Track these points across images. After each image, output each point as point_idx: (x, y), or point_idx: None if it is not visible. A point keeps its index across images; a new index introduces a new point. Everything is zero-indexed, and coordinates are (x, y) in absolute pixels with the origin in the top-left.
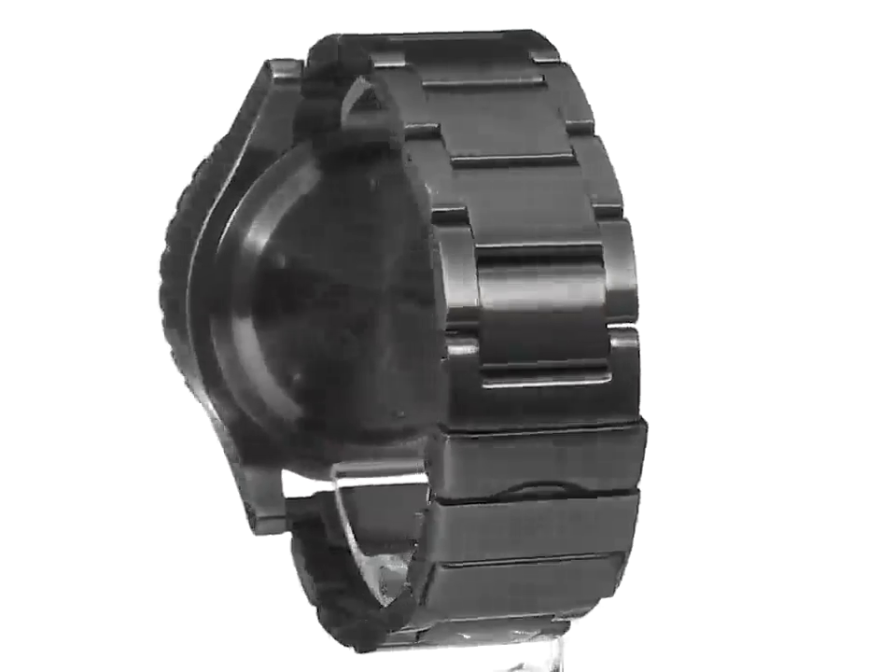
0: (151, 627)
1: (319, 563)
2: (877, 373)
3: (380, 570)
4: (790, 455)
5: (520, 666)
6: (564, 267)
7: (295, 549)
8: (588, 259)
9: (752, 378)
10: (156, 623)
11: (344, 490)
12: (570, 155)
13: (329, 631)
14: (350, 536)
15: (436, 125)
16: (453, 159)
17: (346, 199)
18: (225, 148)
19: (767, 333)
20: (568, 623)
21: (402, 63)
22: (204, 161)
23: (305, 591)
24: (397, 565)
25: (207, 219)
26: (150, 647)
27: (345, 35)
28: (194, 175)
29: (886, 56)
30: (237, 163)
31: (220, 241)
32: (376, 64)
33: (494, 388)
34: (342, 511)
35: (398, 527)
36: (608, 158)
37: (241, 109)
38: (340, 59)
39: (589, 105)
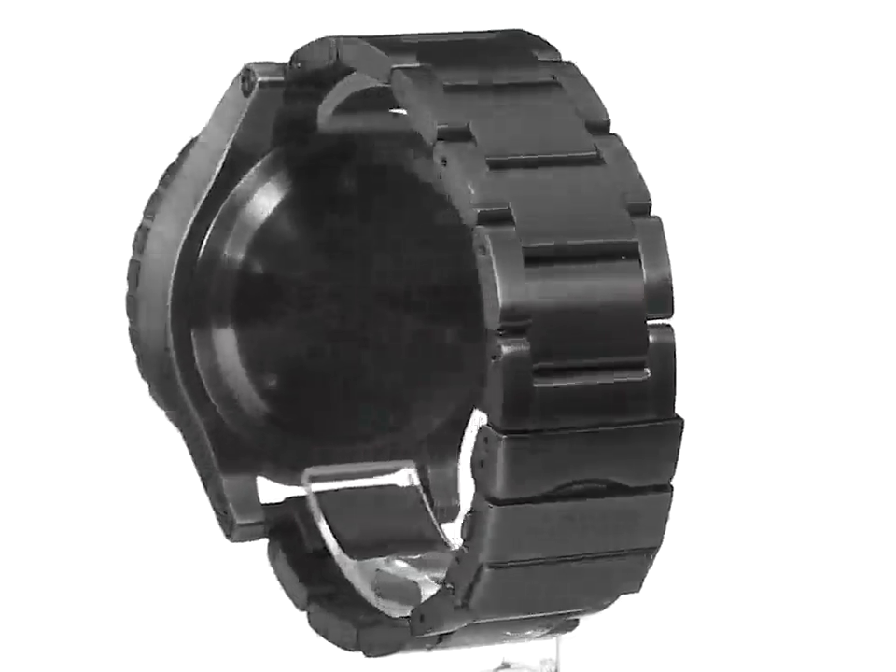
0: (134, 643)
1: (303, 568)
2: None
3: (375, 574)
4: (798, 453)
5: (506, 666)
6: (605, 264)
7: (274, 555)
8: (627, 255)
9: (759, 374)
10: (139, 638)
11: (319, 494)
12: (595, 153)
13: (325, 636)
14: (332, 540)
15: (465, 125)
16: (488, 159)
17: (321, 204)
18: (201, 155)
19: (769, 332)
20: (578, 620)
21: (417, 64)
22: (173, 166)
23: (292, 596)
24: (391, 567)
25: (189, 228)
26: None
27: (346, 37)
28: (164, 183)
29: (888, 49)
30: (218, 170)
31: (201, 250)
32: (394, 66)
33: (544, 387)
34: (319, 516)
35: (378, 529)
36: (630, 155)
37: (217, 114)
38: (337, 60)
39: (603, 104)
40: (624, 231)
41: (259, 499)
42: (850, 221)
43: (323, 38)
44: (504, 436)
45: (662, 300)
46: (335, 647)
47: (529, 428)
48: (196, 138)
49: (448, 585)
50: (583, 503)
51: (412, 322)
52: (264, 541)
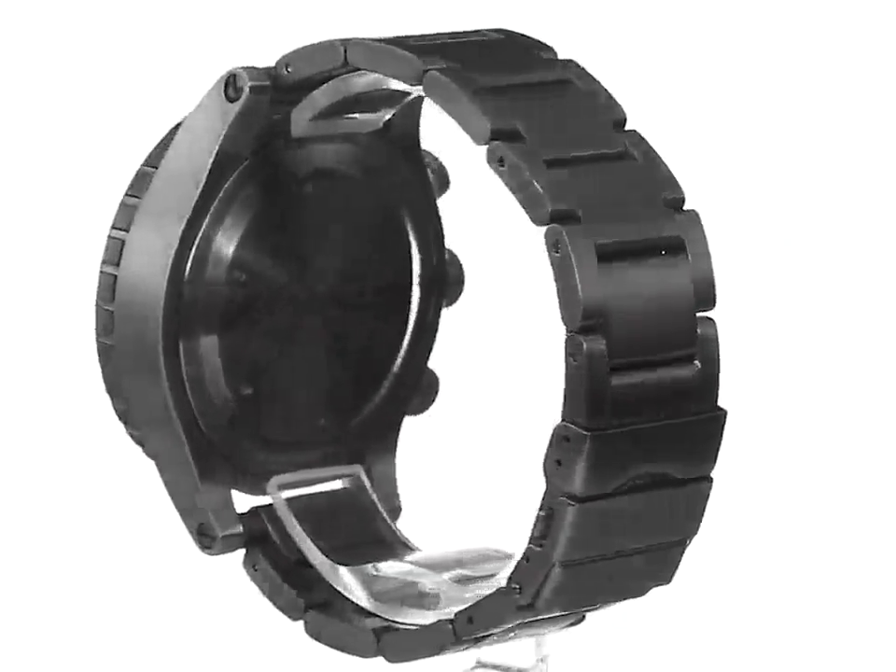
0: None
1: (291, 577)
2: None
3: (373, 578)
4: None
5: (481, 665)
6: (659, 259)
7: (255, 565)
8: (677, 250)
9: (775, 368)
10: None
11: (290, 502)
12: (624, 149)
13: (336, 644)
14: (313, 548)
15: (515, 125)
16: (544, 158)
17: (293, 211)
18: (179, 163)
19: (779, 322)
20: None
21: (447, 65)
22: (142, 176)
23: (283, 607)
24: (386, 571)
25: (179, 239)
26: None
27: (356, 40)
28: (133, 194)
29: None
30: (205, 178)
31: (189, 260)
32: (426, 67)
33: (619, 383)
34: (293, 524)
35: (343, 534)
36: (656, 151)
37: (194, 121)
38: (345, 63)
39: (617, 101)
40: (671, 225)
41: (235, 511)
42: (852, 213)
43: (324, 42)
44: (588, 433)
45: (707, 293)
46: (347, 655)
47: (608, 425)
48: (162, 146)
49: (514, 585)
50: (641, 496)
51: (361, 324)
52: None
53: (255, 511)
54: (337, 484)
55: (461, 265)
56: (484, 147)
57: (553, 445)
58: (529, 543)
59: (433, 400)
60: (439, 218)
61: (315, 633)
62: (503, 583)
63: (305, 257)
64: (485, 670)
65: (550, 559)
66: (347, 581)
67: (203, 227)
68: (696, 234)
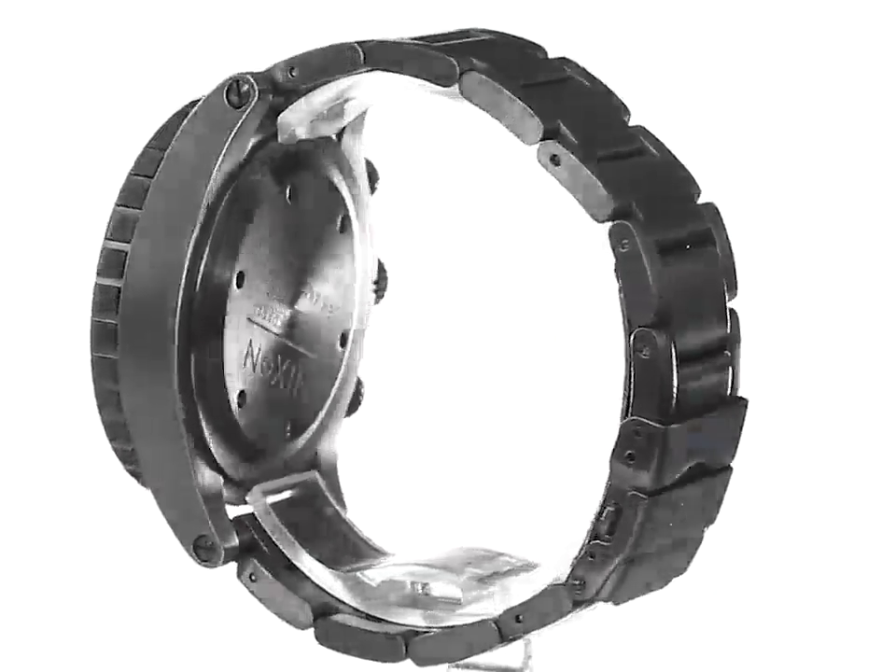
0: None
1: (294, 584)
2: None
3: (369, 584)
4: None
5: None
6: (698, 251)
7: (256, 577)
8: (708, 242)
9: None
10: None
11: (276, 509)
12: (643, 144)
13: (355, 651)
14: (306, 556)
15: (558, 123)
16: (606, 153)
17: (281, 216)
18: (182, 171)
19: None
20: None
21: (485, 65)
22: (135, 186)
23: (290, 614)
24: (384, 576)
25: (191, 249)
26: None
27: (378, 42)
28: (128, 203)
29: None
30: (210, 185)
31: (201, 269)
32: (464, 68)
33: (682, 376)
34: (285, 532)
35: (332, 538)
36: (664, 144)
37: (194, 127)
38: (364, 65)
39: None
40: (701, 216)
41: (229, 521)
42: (847, 212)
43: (338, 45)
44: (663, 427)
45: (732, 281)
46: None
47: (676, 418)
48: (150, 155)
49: (574, 581)
50: (692, 487)
51: (318, 331)
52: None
53: (240, 521)
54: (300, 491)
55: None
56: (534, 147)
57: (623, 440)
58: (594, 540)
59: (361, 401)
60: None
61: (329, 640)
62: (545, 580)
63: (288, 264)
64: (463, 670)
65: (618, 554)
66: (348, 588)
67: (211, 237)
68: (719, 225)
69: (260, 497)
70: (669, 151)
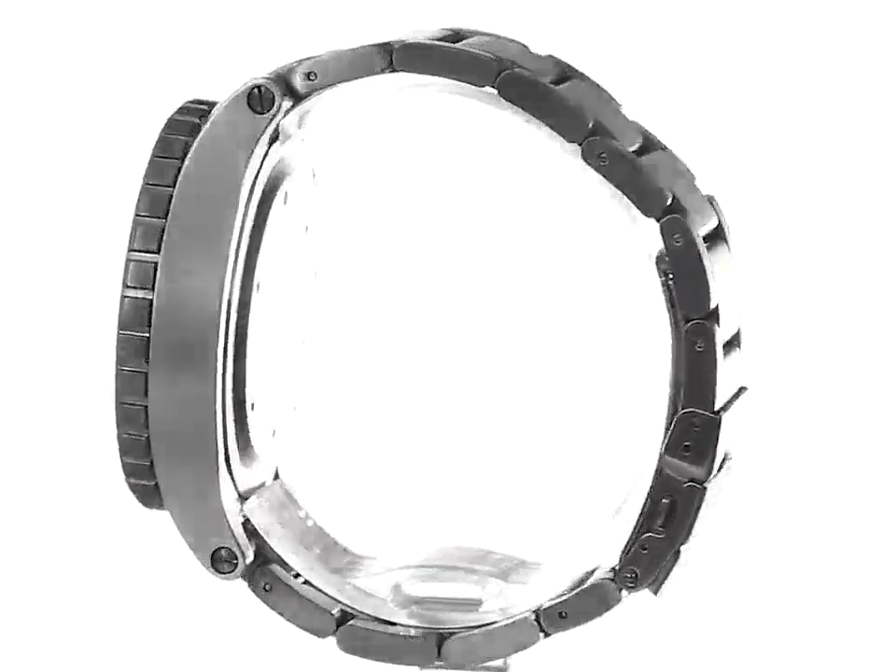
0: None
1: (309, 595)
2: None
3: (396, 588)
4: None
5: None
6: (722, 244)
7: (271, 587)
8: (722, 235)
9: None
10: None
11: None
12: (651, 137)
13: (383, 656)
14: (316, 564)
15: (599, 120)
16: (630, 149)
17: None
18: (210, 181)
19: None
20: None
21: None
22: (159, 196)
23: (312, 626)
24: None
25: (230, 262)
26: None
27: (408, 44)
28: (153, 213)
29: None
30: (245, 195)
31: (238, 279)
32: (503, 68)
33: (726, 363)
34: (291, 539)
35: (321, 544)
36: (658, 137)
37: (217, 134)
38: (391, 68)
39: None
40: (712, 209)
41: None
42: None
43: (361, 48)
44: (719, 417)
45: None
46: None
47: (726, 407)
48: (162, 164)
49: (627, 574)
50: (721, 475)
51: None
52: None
53: (250, 531)
54: (278, 498)
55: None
56: (574, 146)
57: (679, 433)
58: (648, 532)
59: None
60: None
61: (353, 647)
62: (572, 575)
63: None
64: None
65: (674, 545)
66: (357, 595)
67: (246, 244)
68: (726, 220)
69: (257, 505)
70: (667, 146)
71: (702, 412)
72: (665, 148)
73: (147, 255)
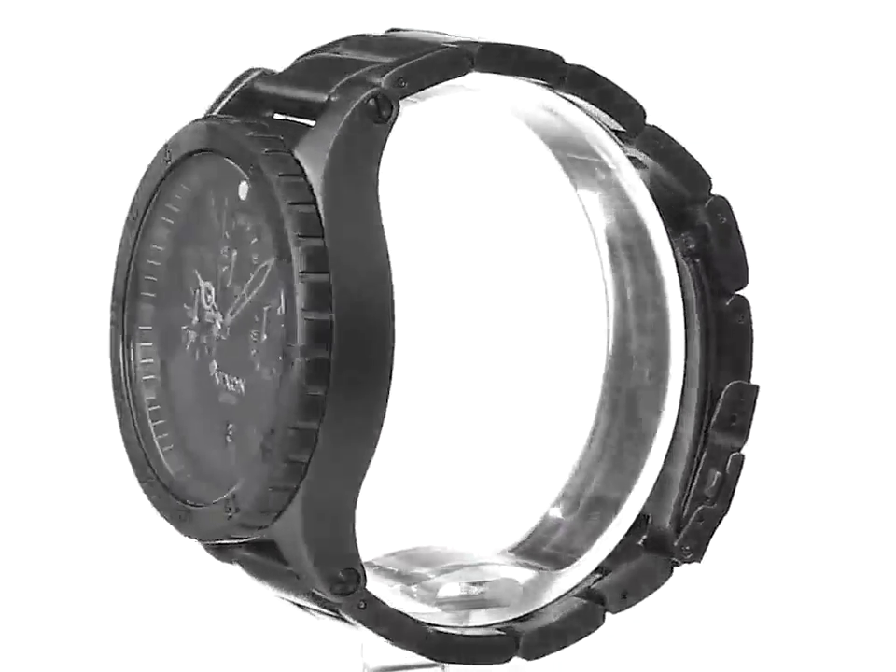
0: None
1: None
2: None
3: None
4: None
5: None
6: None
7: (368, 604)
8: None
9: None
10: None
11: None
12: None
13: (467, 659)
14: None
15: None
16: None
17: None
18: (351, 197)
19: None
20: None
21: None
22: (308, 214)
23: (410, 642)
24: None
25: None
26: None
27: (485, 44)
28: (308, 234)
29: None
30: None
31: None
32: (567, 63)
33: None
34: None
35: None
36: None
37: (341, 150)
38: (472, 69)
39: None
40: None
41: None
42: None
43: (445, 51)
44: (757, 387)
45: None
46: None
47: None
48: (293, 179)
49: (686, 548)
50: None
51: None
52: None
53: None
54: None
55: None
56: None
57: (728, 406)
58: (702, 504)
59: None
60: None
61: (440, 653)
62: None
63: None
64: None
65: (722, 515)
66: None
67: None
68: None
69: None
70: None
71: (743, 383)
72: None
73: (320, 276)
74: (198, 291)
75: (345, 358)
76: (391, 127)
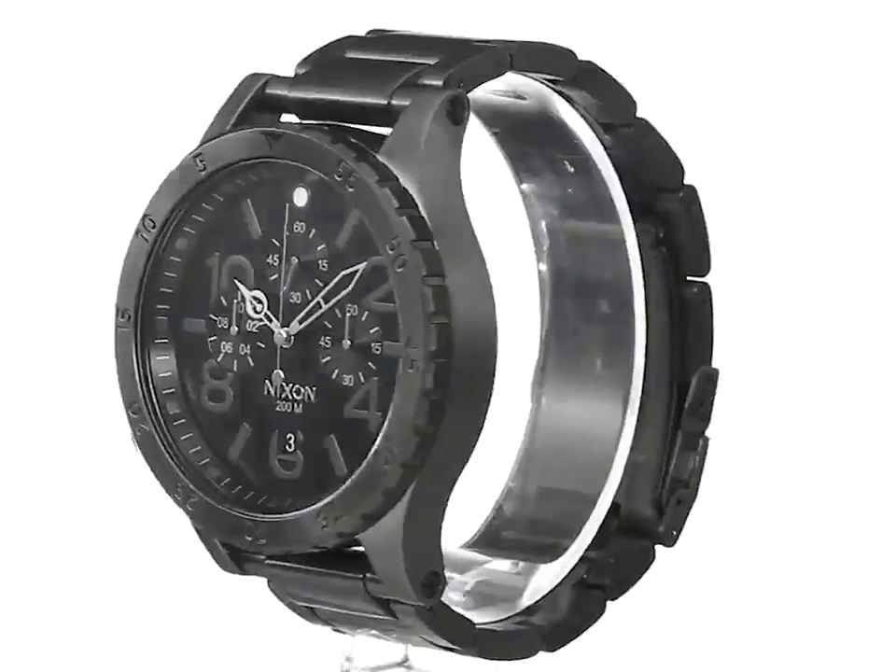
0: None
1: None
2: None
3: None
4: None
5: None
6: None
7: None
8: None
9: None
10: None
11: None
12: None
13: (503, 654)
14: None
15: None
16: None
17: None
18: (448, 203)
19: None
20: None
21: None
22: (418, 218)
23: (462, 637)
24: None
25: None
26: None
27: (521, 43)
28: (421, 238)
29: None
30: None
31: None
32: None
33: None
34: None
35: None
36: None
37: (428, 158)
38: (510, 68)
39: None
40: None
41: None
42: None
43: (490, 51)
44: (718, 370)
45: None
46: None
47: None
48: (391, 185)
49: (673, 532)
50: None
51: None
52: None
53: None
54: None
55: None
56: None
57: (699, 391)
58: (680, 488)
59: None
60: None
61: (491, 651)
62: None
63: None
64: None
65: (694, 497)
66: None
67: None
68: None
69: None
70: None
71: (709, 367)
72: None
73: (438, 279)
74: (236, 301)
75: (463, 361)
76: (465, 128)
